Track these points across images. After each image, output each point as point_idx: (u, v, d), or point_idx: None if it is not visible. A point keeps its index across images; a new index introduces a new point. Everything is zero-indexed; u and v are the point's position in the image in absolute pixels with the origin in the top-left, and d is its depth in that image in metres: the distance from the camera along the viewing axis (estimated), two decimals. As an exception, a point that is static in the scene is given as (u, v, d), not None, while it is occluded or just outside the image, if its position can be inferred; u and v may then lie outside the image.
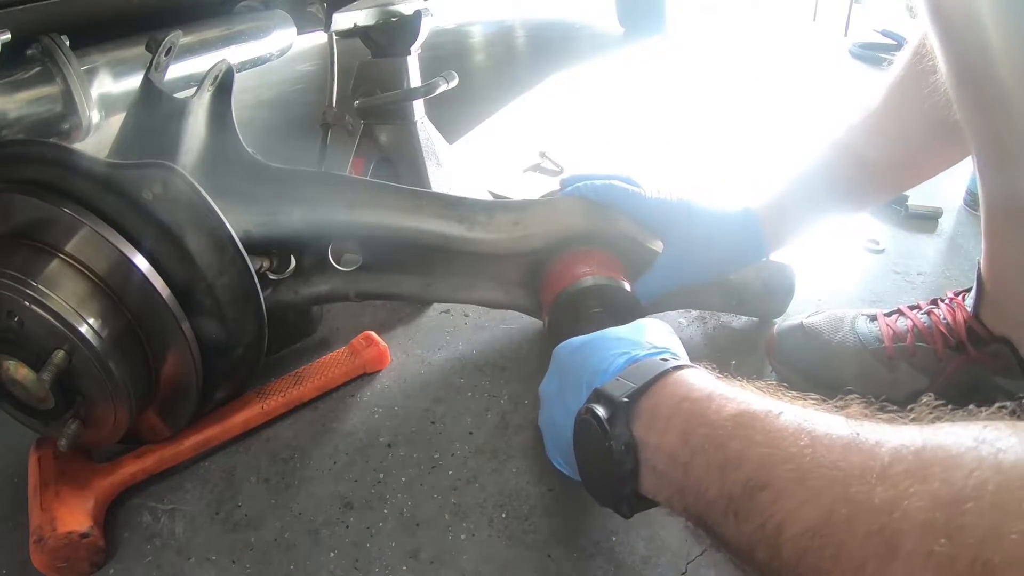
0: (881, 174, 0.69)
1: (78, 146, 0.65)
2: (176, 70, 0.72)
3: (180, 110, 0.65)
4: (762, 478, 0.33)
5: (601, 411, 0.43)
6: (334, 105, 0.88)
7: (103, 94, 0.68)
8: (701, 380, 0.43)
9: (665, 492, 0.41)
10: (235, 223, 0.58)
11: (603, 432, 0.43)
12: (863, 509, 0.28)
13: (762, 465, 0.34)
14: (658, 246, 0.71)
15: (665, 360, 0.45)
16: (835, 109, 1.53)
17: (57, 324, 0.51)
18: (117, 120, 0.67)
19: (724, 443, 0.37)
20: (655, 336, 0.50)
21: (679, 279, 0.72)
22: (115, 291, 0.54)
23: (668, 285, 0.71)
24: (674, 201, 0.71)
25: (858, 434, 0.32)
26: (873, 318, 0.69)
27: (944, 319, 0.64)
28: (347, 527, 0.58)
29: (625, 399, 0.43)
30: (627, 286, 0.65)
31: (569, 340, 0.55)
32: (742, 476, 0.34)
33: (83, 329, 0.51)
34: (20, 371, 0.53)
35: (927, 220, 1.05)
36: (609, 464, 0.42)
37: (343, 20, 0.88)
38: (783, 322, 0.74)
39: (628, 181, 0.72)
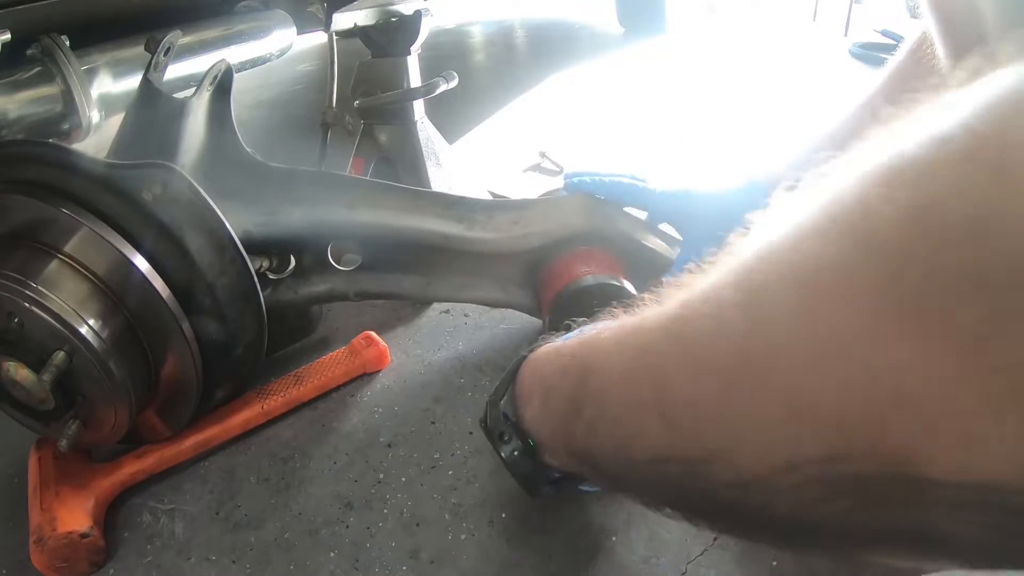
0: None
1: (78, 146, 0.65)
2: (176, 70, 0.72)
3: (179, 110, 0.65)
4: (585, 369, 0.37)
5: (494, 412, 0.48)
6: (334, 105, 0.88)
7: (103, 94, 0.68)
8: (549, 347, 0.46)
9: (557, 451, 0.44)
10: (235, 223, 0.58)
11: (489, 434, 0.48)
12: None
13: (585, 362, 0.38)
14: (658, 244, 0.71)
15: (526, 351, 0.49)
16: (835, 109, 1.53)
17: (57, 325, 0.51)
18: (117, 120, 0.67)
19: (564, 368, 0.41)
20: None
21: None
22: (115, 291, 0.54)
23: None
24: (680, 191, 0.71)
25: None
26: None
27: None
28: (347, 527, 0.58)
29: (494, 400, 0.49)
30: (628, 285, 0.65)
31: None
32: (573, 379, 0.38)
33: (83, 330, 0.51)
34: (20, 372, 0.53)
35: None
36: (509, 452, 0.46)
37: (343, 20, 0.88)
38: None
39: (632, 178, 0.72)
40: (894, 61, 0.66)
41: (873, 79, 0.68)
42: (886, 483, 0.21)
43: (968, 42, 0.46)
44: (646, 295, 0.35)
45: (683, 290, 0.30)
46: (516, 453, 0.46)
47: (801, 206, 0.24)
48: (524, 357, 0.49)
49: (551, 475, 0.46)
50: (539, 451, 0.45)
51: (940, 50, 0.50)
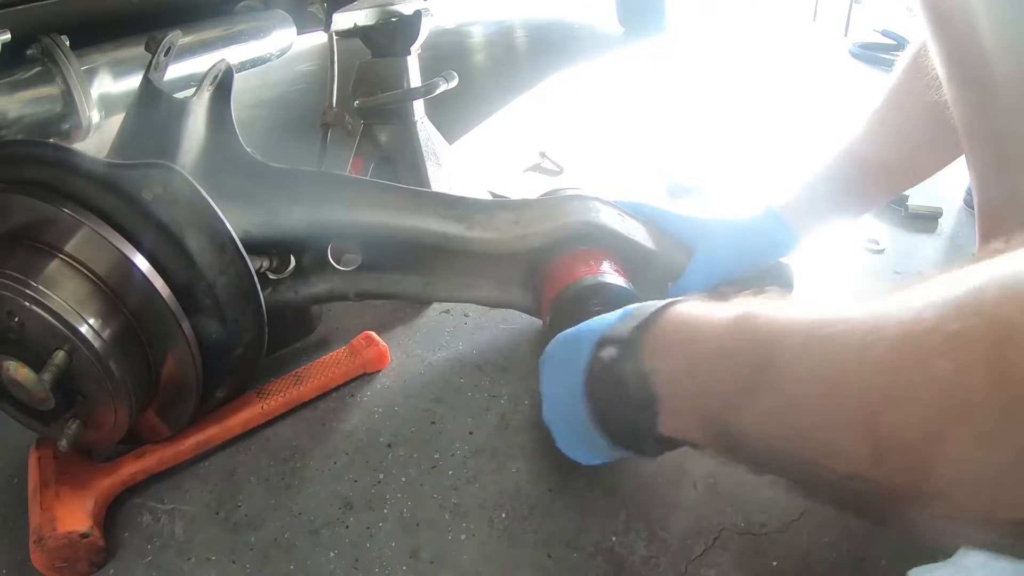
0: (882, 174, 0.70)
1: (78, 146, 0.65)
2: (176, 70, 0.72)
3: (180, 110, 0.65)
4: (767, 357, 0.35)
5: (611, 351, 0.44)
6: (334, 105, 0.88)
7: (103, 94, 0.68)
8: (698, 306, 0.44)
9: (682, 415, 0.41)
10: (235, 223, 0.58)
11: (614, 369, 0.44)
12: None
13: (767, 349, 0.35)
14: (658, 246, 0.72)
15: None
16: (835, 109, 1.53)
17: (57, 324, 0.51)
18: (117, 120, 0.67)
19: (737, 346, 0.37)
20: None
21: (712, 279, 0.73)
22: (115, 291, 0.54)
23: (704, 286, 0.73)
24: (700, 218, 0.74)
25: (841, 308, 0.33)
26: None
27: None
28: (347, 527, 0.58)
29: (629, 334, 0.44)
30: (628, 285, 0.65)
31: (558, 335, 0.56)
32: (748, 363, 0.36)
33: (83, 329, 0.51)
34: (20, 371, 0.53)
35: (927, 220, 1.05)
36: (625, 399, 0.43)
37: (343, 20, 0.88)
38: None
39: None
40: (895, 74, 0.67)
41: (876, 93, 0.69)
42: None
43: (961, 39, 0.46)
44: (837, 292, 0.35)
45: (898, 306, 0.29)
46: (613, 359, 0.43)
47: None
48: (665, 305, 0.45)
49: (652, 430, 0.43)
50: (654, 404, 0.42)
51: (947, 90, 0.50)
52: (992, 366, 0.24)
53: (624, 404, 0.44)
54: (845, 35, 2.24)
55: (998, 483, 0.24)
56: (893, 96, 0.67)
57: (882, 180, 0.71)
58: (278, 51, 0.94)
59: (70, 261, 0.53)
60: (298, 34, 0.97)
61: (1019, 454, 0.23)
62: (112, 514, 0.59)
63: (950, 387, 0.25)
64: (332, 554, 0.55)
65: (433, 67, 0.95)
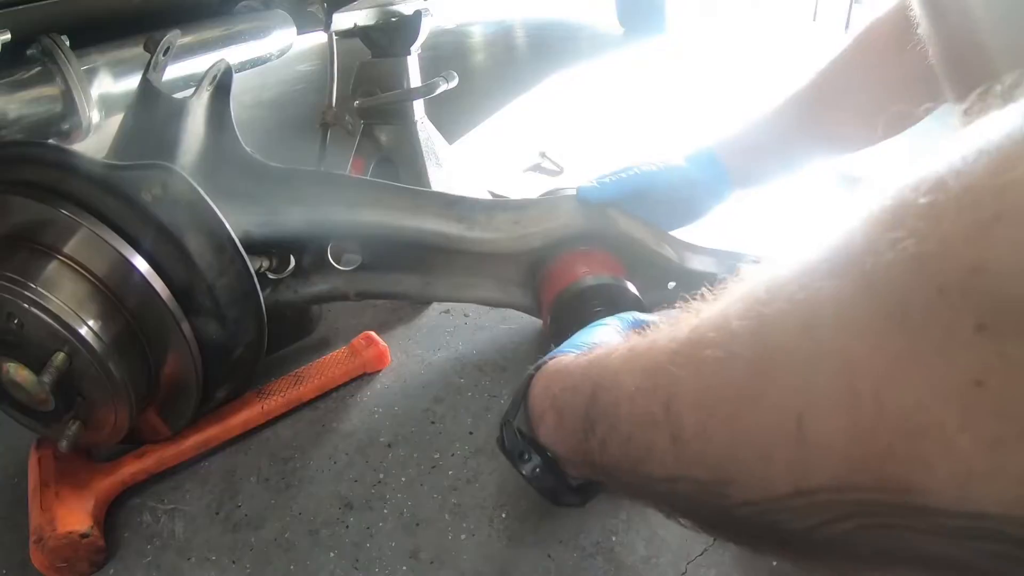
0: (820, 130, 0.71)
1: (78, 146, 0.65)
2: (175, 70, 0.72)
3: (179, 110, 0.65)
4: (596, 387, 0.39)
5: (506, 442, 0.48)
6: (334, 105, 0.88)
7: (103, 94, 0.68)
8: (560, 361, 0.47)
9: (576, 464, 0.44)
10: (235, 223, 0.58)
11: (508, 454, 0.48)
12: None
13: (596, 380, 0.39)
14: (662, 248, 0.71)
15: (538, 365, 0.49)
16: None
17: (57, 326, 0.51)
18: (117, 120, 0.67)
19: (576, 386, 0.42)
20: (600, 335, 0.52)
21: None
22: (115, 292, 0.54)
23: None
24: (634, 174, 0.72)
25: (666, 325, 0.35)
26: None
27: None
28: (347, 527, 0.58)
29: (508, 420, 0.48)
30: (628, 285, 0.65)
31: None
32: (584, 397, 0.40)
33: (83, 331, 0.51)
34: (20, 373, 0.53)
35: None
36: (530, 469, 0.46)
37: (343, 20, 0.88)
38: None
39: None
40: (849, 38, 0.68)
41: (832, 50, 0.70)
42: (890, 510, 0.22)
43: (973, 81, 0.45)
44: (658, 317, 0.36)
45: (694, 315, 0.31)
46: (537, 470, 0.46)
47: (811, 243, 0.25)
48: (531, 375, 0.49)
49: (573, 483, 0.47)
50: (559, 464, 0.46)
51: (946, 87, 0.50)
52: (750, 354, 0.27)
53: (531, 476, 0.47)
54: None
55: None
56: (842, 60, 0.68)
57: (820, 137, 0.71)
58: (278, 51, 0.94)
59: (69, 262, 0.53)
60: (298, 34, 0.97)
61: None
62: (112, 514, 0.59)
63: (715, 373, 0.28)
64: (332, 554, 0.55)
65: (433, 67, 0.95)
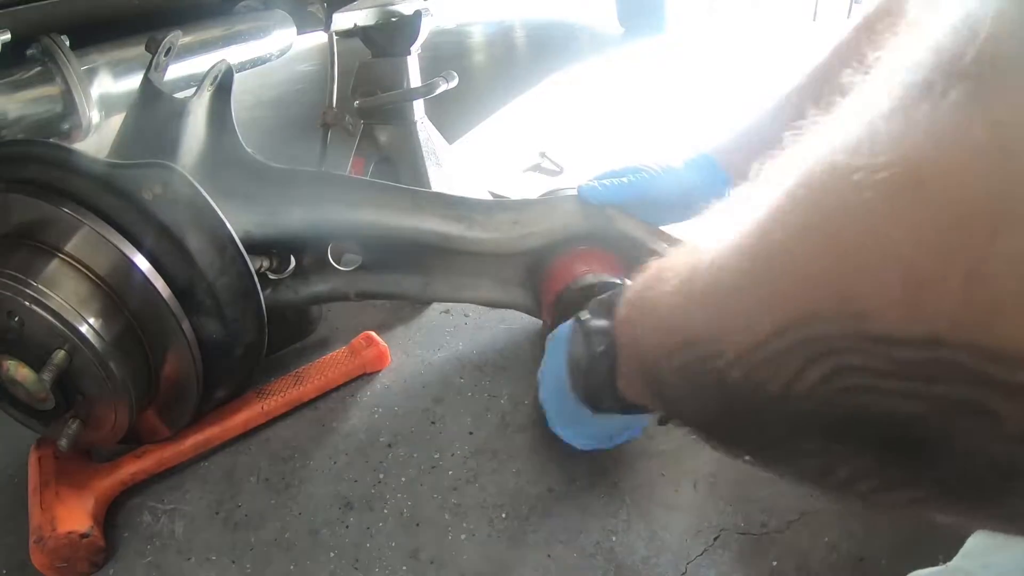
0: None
1: (78, 146, 0.65)
2: (176, 70, 0.72)
3: (180, 110, 0.65)
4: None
5: (588, 312, 0.48)
6: (334, 105, 0.88)
7: (103, 94, 0.68)
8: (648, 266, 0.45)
9: (630, 365, 0.43)
10: (235, 223, 0.58)
11: (586, 325, 0.47)
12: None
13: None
14: (660, 246, 0.71)
15: None
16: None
17: (57, 324, 0.51)
18: (117, 120, 0.67)
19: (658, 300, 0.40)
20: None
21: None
22: (115, 291, 0.54)
23: None
24: (637, 179, 0.71)
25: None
26: None
27: None
28: (347, 527, 0.58)
29: (609, 297, 0.47)
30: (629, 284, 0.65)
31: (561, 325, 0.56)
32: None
33: (83, 329, 0.51)
34: (21, 371, 0.53)
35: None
36: (591, 350, 0.45)
37: (343, 20, 0.88)
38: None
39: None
40: (848, 29, 0.67)
41: (827, 42, 0.69)
42: (851, 346, 0.22)
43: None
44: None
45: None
46: (602, 348, 0.45)
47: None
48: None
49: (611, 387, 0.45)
50: (613, 353, 0.44)
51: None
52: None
53: (591, 356, 0.46)
54: (842, 24, 2.24)
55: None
56: (839, 54, 0.67)
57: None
58: (278, 51, 0.94)
59: (70, 261, 0.53)
60: (298, 34, 0.97)
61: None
62: (112, 514, 0.59)
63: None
64: (332, 554, 0.55)
65: (433, 67, 0.95)
